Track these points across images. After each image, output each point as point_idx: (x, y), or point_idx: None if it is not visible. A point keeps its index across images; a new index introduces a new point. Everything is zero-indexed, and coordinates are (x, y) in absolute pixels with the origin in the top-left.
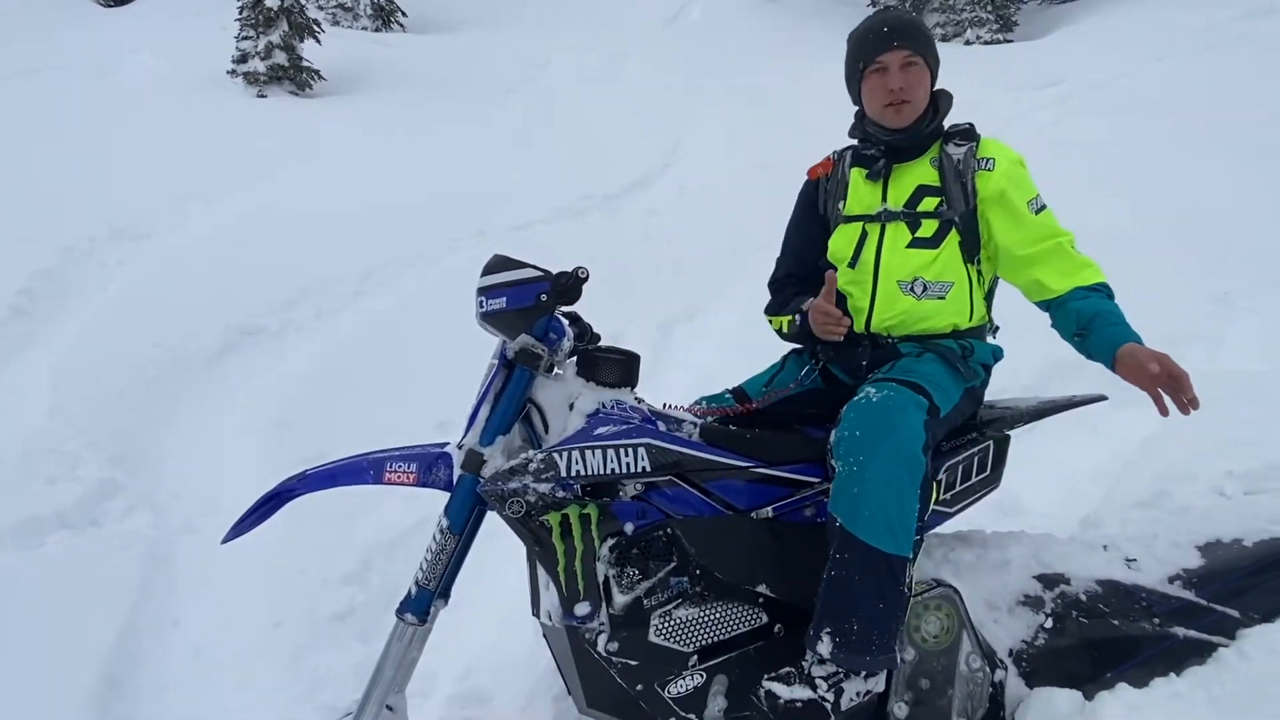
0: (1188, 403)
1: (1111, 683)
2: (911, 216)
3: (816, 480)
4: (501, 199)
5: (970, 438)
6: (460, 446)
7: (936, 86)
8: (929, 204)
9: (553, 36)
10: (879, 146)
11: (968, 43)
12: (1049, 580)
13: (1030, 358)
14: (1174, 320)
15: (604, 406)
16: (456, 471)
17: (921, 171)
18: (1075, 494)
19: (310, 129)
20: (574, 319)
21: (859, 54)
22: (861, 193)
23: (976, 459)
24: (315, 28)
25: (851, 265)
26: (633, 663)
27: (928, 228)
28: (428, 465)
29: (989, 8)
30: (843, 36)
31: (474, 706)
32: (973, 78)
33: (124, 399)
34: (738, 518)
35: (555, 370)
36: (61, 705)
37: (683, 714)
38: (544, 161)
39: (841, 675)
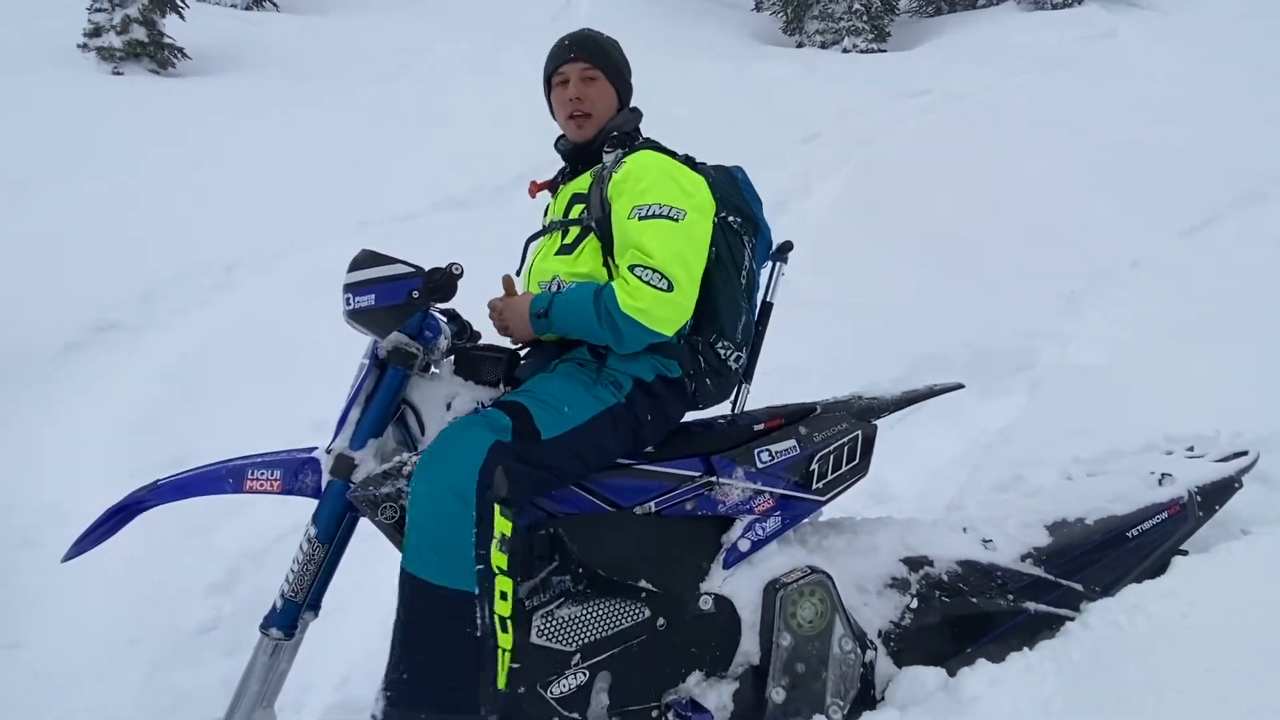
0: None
1: (972, 658)
2: (563, 225)
3: (697, 474)
4: (384, 188)
5: (841, 428)
6: (329, 451)
7: (631, 105)
8: (576, 211)
9: (434, 22)
10: (565, 166)
11: (845, 50)
12: (914, 562)
13: (901, 352)
14: (1027, 317)
15: (483, 406)
16: (325, 477)
17: (581, 182)
18: (939, 479)
19: (172, 110)
20: (452, 316)
21: (546, 68)
22: (552, 207)
23: (846, 448)
24: (178, 2)
25: (518, 274)
26: (513, 666)
27: (571, 234)
28: (293, 471)
29: (865, 18)
30: (729, 36)
31: (351, 715)
32: (850, 84)
33: None
34: (620, 514)
35: (431, 369)
36: None
37: (566, 714)
38: (429, 151)
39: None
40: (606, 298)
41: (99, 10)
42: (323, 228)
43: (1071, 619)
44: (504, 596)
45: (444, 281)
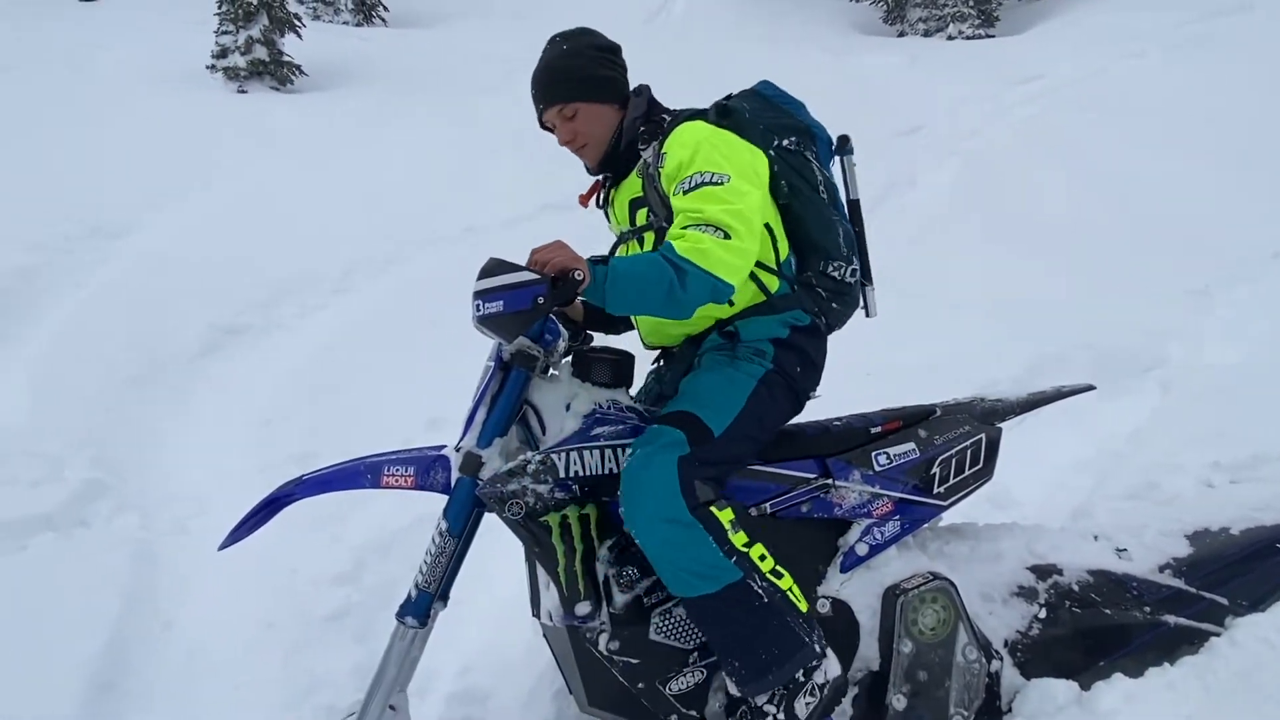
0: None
1: (1105, 671)
2: (636, 233)
3: (813, 476)
4: (489, 194)
5: (963, 431)
6: (458, 449)
7: (632, 89)
8: (642, 217)
9: (536, 31)
10: (601, 176)
11: (950, 37)
12: (1042, 571)
13: (1018, 351)
14: (1154, 315)
15: (600, 407)
16: (454, 474)
17: (630, 185)
18: (1063, 485)
19: (292, 124)
20: (567, 319)
21: (536, 113)
22: (611, 219)
23: (969, 452)
24: (296, 22)
25: None
26: (634, 661)
27: (649, 241)
28: (425, 468)
29: (971, 3)
30: (827, 29)
31: (473, 704)
32: (956, 72)
33: (106, 399)
34: None
35: (551, 371)
36: (52, 710)
37: (684, 711)
38: (531, 156)
39: (780, 693)
40: (664, 248)
41: (225, 33)
42: (432, 233)
43: (1216, 635)
44: (762, 558)
45: (567, 287)
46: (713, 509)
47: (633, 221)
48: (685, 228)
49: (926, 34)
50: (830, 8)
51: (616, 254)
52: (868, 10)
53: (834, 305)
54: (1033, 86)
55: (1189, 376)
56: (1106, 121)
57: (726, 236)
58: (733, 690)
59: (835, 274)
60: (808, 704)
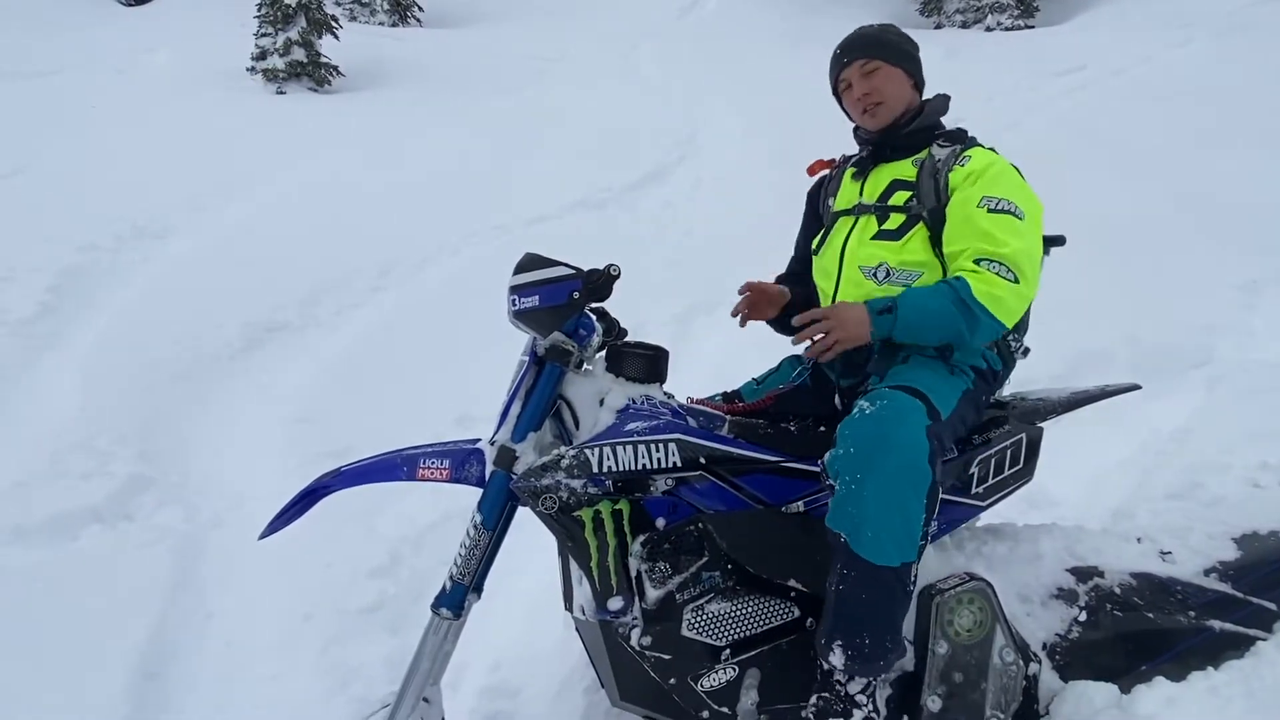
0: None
1: (1147, 676)
2: (881, 209)
3: None
4: (518, 192)
5: (1003, 430)
6: (492, 443)
7: (927, 93)
8: (899, 198)
9: (567, 30)
10: (867, 148)
11: (988, 29)
12: (1082, 573)
13: (1058, 348)
14: (1200, 310)
15: (634, 402)
16: (489, 468)
17: (900, 168)
18: (1102, 485)
19: (329, 124)
20: (601, 314)
21: (831, 77)
22: (846, 190)
23: (1009, 452)
24: (333, 24)
25: (816, 252)
26: (666, 657)
27: (894, 220)
28: (460, 461)
29: None
30: (858, 24)
31: (504, 698)
32: (993, 65)
33: (150, 396)
34: (769, 512)
35: (585, 366)
36: (99, 698)
37: (716, 707)
38: (560, 154)
39: (874, 684)
40: (960, 287)
41: (264, 35)
42: (463, 232)
43: (1263, 640)
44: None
45: (602, 282)
46: (939, 491)
47: (883, 198)
48: (979, 262)
49: (964, 26)
50: (862, 3)
51: (838, 222)
52: (904, 3)
53: (999, 370)
54: (1074, 77)
55: (1236, 373)
56: (1151, 111)
57: (1015, 280)
58: (836, 661)
59: (1013, 344)
60: (887, 698)
